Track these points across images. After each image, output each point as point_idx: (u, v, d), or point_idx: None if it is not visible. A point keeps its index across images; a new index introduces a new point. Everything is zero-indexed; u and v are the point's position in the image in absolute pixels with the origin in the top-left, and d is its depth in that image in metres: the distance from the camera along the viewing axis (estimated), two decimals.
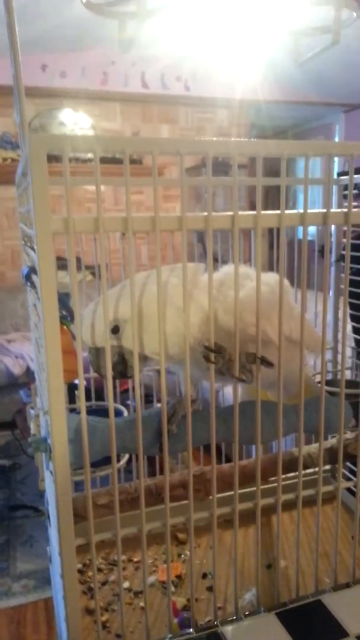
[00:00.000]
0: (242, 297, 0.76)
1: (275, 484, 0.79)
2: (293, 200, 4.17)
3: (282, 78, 3.68)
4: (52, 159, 0.59)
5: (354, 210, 0.76)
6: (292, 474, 0.96)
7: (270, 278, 0.82)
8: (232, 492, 0.75)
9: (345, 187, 1.28)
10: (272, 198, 0.77)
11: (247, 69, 3.45)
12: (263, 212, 0.69)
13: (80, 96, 3.55)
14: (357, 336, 1.46)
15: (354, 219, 0.77)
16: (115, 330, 0.76)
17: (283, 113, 4.21)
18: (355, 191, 1.23)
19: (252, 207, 0.69)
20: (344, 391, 0.81)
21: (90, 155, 0.65)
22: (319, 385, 0.79)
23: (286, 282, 0.86)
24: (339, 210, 0.76)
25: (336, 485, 0.83)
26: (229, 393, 0.77)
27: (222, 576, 0.93)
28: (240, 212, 0.68)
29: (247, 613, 0.77)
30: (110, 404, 0.66)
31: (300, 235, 0.78)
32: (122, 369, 0.79)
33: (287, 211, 0.70)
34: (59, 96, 3.50)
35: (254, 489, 0.76)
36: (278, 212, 0.70)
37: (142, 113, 3.79)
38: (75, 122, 3.59)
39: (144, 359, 0.78)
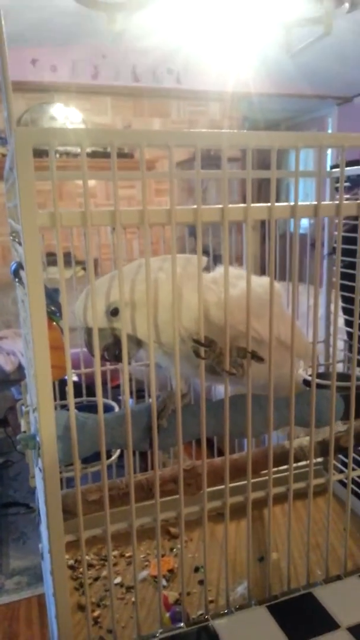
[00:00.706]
0: (236, 294, 0.76)
1: (267, 477, 0.78)
2: (286, 193, 4.16)
3: (275, 71, 3.66)
4: (43, 153, 0.59)
5: (345, 202, 0.76)
6: (284, 467, 0.96)
7: (265, 281, 0.83)
8: (223, 486, 0.75)
9: (338, 180, 1.28)
10: (265, 191, 0.78)
11: (239, 62, 3.43)
12: (253, 204, 0.69)
13: (71, 90, 3.52)
14: (349, 329, 1.46)
15: (345, 211, 0.76)
16: (115, 312, 0.76)
17: (276, 106, 4.19)
18: (347, 184, 1.23)
19: (245, 200, 0.69)
20: (335, 384, 0.81)
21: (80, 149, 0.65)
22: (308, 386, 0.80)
23: (278, 285, 0.87)
24: (330, 202, 0.75)
25: (327, 478, 0.83)
26: (221, 388, 0.77)
27: (214, 570, 0.93)
28: (230, 205, 0.67)
29: (238, 606, 0.77)
30: (99, 398, 0.65)
31: (292, 228, 0.78)
32: (117, 352, 0.78)
33: (277, 203, 0.70)
34: (50, 90, 3.47)
35: (246, 482, 0.76)
36: (268, 204, 0.69)
37: (134, 107, 3.76)
38: (66, 116, 3.57)
39: (138, 344, 0.78)
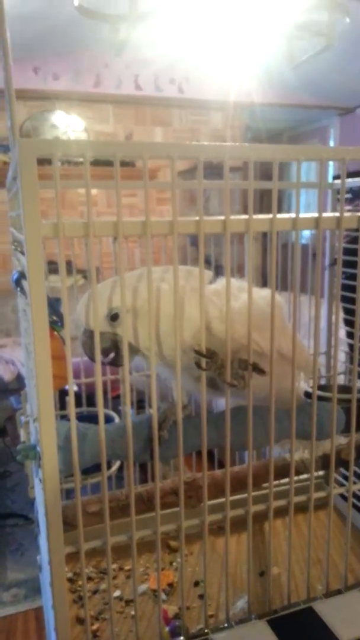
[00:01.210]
0: (238, 307, 0.76)
1: (268, 491, 0.78)
2: (288, 203, 4.17)
3: (277, 81, 3.69)
4: (45, 161, 0.59)
5: (346, 214, 0.76)
6: (285, 480, 0.95)
7: (267, 293, 0.83)
8: (224, 499, 0.74)
9: (339, 191, 1.28)
10: (267, 202, 0.77)
11: (241, 72, 3.45)
12: (255, 216, 0.69)
13: (73, 98, 3.54)
14: (350, 341, 1.46)
15: (346, 224, 0.76)
16: (115, 317, 0.76)
17: (278, 116, 4.22)
18: (348, 195, 1.23)
19: (246, 210, 0.69)
20: (336, 396, 0.81)
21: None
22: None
23: (280, 298, 0.87)
24: (331, 214, 0.75)
25: (328, 491, 0.82)
26: (221, 400, 0.76)
27: (214, 584, 0.93)
28: (232, 217, 0.67)
29: (238, 621, 0.77)
30: (100, 409, 0.65)
31: (292, 239, 0.78)
32: (115, 357, 0.78)
33: (279, 215, 0.70)
34: (52, 98, 3.49)
35: (246, 495, 0.76)
36: (270, 216, 0.69)
37: (136, 115, 3.78)
38: (67, 124, 3.58)
39: (134, 351, 0.78)
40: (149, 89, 3.70)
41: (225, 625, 0.76)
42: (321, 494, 0.82)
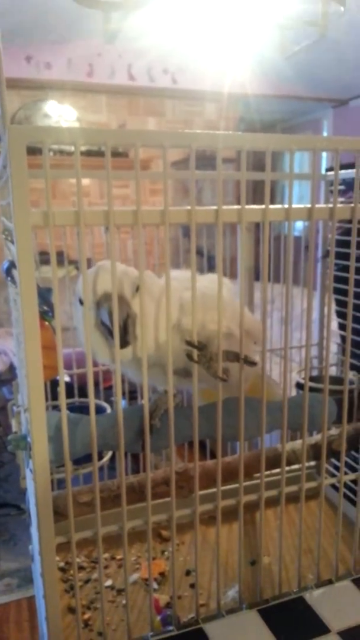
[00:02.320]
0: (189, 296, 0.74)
1: (259, 481, 0.78)
2: (281, 194, 4.17)
3: (271, 72, 3.66)
4: (36, 151, 0.58)
5: (339, 205, 0.76)
6: (276, 470, 0.96)
7: (208, 277, 0.83)
8: (215, 489, 0.74)
9: (332, 183, 1.28)
10: (260, 192, 0.77)
11: (235, 63, 3.43)
12: (247, 206, 0.68)
13: (66, 88, 3.50)
14: (342, 332, 1.46)
15: (339, 215, 0.76)
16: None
17: (272, 107, 4.20)
18: (341, 187, 1.23)
19: (240, 201, 0.69)
20: (327, 387, 0.81)
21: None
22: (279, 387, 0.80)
23: (227, 280, 0.86)
24: (324, 205, 0.75)
25: (319, 482, 0.83)
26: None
27: (205, 573, 0.93)
28: (224, 207, 0.67)
29: (229, 610, 0.77)
30: (91, 399, 0.65)
31: (285, 230, 0.78)
32: (122, 335, 0.75)
33: (271, 206, 0.70)
34: (44, 88, 3.45)
35: (238, 485, 0.76)
36: (262, 206, 0.69)
37: (129, 106, 3.75)
38: (60, 114, 3.55)
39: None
40: (142, 79, 3.66)
41: (217, 614, 0.77)
42: (312, 484, 0.82)
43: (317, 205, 0.73)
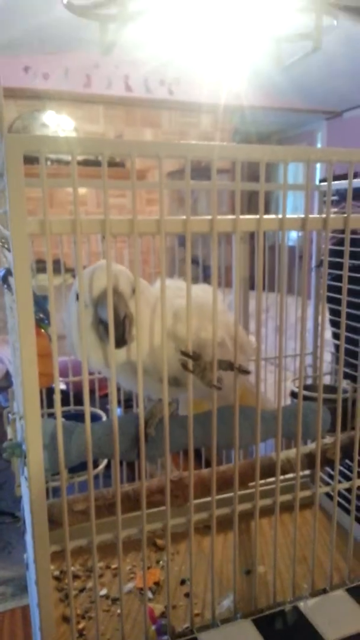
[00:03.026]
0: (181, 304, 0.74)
1: (254, 490, 0.78)
2: (276, 205, 4.20)
3: (266, 84, 3.70)
4: (34, 160, 0.59)
5: (332, 216, 0.77)
6: (271, 479, 0.96)
7: (200, 287, 0.85)
8: (210, 498, 0.74)
9: (326, 194, 1.29)
10: (255, 204, 0.78)
11: (231, 74, 3.47)
12: (242, 216, 0.69)
13: (63, 98, 3.53)
14: (336, 341, 1.47)
15: (332, 225, 0.77)
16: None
17: (267, 119, 4.24)
18: (335, 197, 1.24)
19: (234, 212, 0.69)
20: (322, 396, 0.82)
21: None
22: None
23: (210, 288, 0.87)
24: (317, 216, 0.76)
25: (314, 491, 0.83)
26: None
27: (200, 582, 0.93)
28: (219, 217, 0.68)
29: (224, 619, 0.77)
30: (86, 407, 0.65)
31: (280, 241, 0.79)
32: (121, 332, 0.74)
33: (265, 216, 0.71)
34: (42, 98, 3.48)
35: (233, 494, 0.76)
36: (257, 216, 0.70)
37: (126, 116, 3.78)
38: (58, 124, 3.57)
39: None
40: (139, 90, 3.70)
41: (211, 624, 0.76)
42: (306, 493, 0.82)
43: (310, 216, 0.73)
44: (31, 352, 0.59)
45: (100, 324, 0.74)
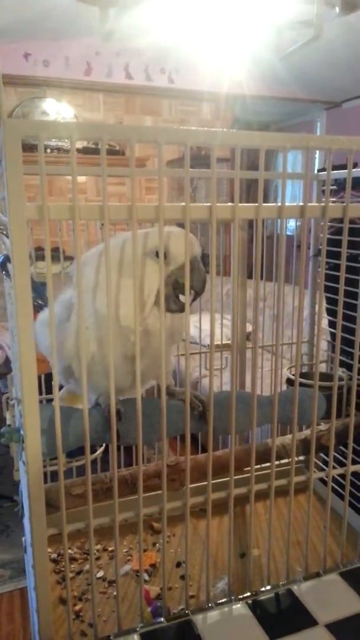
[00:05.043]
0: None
1: (249, 475, 0.79)
2: (275, 194, 4.19)
3: (267, 73, 3.67)
4: (34, 147, 0.59)
5: (331, 204, 0.77)
6: (267, 464, 0.97)
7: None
8: (206, 482, 0.75)
9: (325, 183, 1.29)
10: (254, 192, 0.78)
11: (231, 63, 3.44)
12: (241, 204, 0.70)
13: (64, 86, 3.50)
14: (333, 330, 1.47)
15: (331, 213, 0.77)
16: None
17: (267, 108, 4.21)
18: (334, 186, 1.24)
19: (234, 200, 0.70)
20: (317, 383, 0.82)
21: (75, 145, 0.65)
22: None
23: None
24: (316, 204, 0.76)
25: (308, 476, 0.84)
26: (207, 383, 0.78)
27: (196, 565, 0.94)
28: (218, 204, 0.68)
29: (218, 602, 0.78)
30: (84, 391, 0.66)
31: (279, 230, 0.79)
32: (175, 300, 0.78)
33: (264, 204, 0.71)
34: (42, 85, 3.45)
35: (228, 479, 0.77)
36: (256, 204, 0.70)
37: (126, 104, 3.75)
38: (58, 111, 3.54)
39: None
40: (139, 78, 3.67)
41: (206, 606, 0.78)
42: (301, 478, 0.83)
43: (309, 204, 0.74)
44: (29, 338, 0.60)
45: (174, 290, 0.76)
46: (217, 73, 3.51)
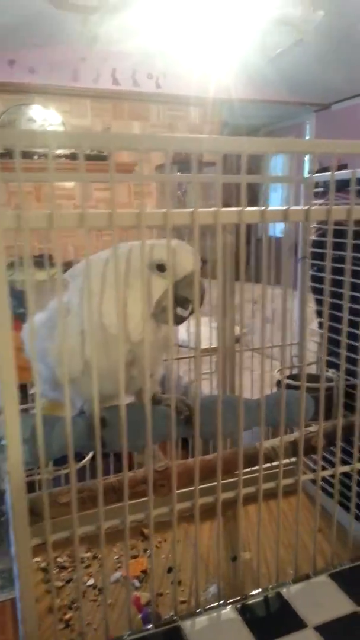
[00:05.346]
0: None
1: (238, 479, 0.79)
2: (265, 198, 4.21)
3: (254, 76, 3.69)
4: (27, 154, 0.59)
5: (315, 207, 0.77)
6: (256, 467, 0.97)
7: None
8: (194, 487, 0.75)
9: (316, 186, 1.30)
10: (249, 195, 0.79)
11: (218, 67, 3.45)
12: (224, 209, 0.70)
13: (50, 92, 3.50)
14: (322, 331, 1.48)
15: (314, 216, 0.77)
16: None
17: (256, 112, 4.22)
18: (321, 189, 1.25)
19: (225, 204, 0.70)
20: (304, 385, 0.83)
21: (60, 151, 0.65)
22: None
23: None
24: (299, 207, 0.77)
25: (297, 478, 0.84)
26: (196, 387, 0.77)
27: (188, 570, 0.94)
28: (200, 209, 0.68)
29: (208, 607, 0.78)
30: (67, 399, 0.65)
31: (270, 233, 0.80)
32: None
33: (247, 208, 0.71)
34: (28, 92, 3.45)
35: (214, 484, 0.77)
36: (239, 208, 0.70)
37: (113, 110, 3.75)
38: (44, 118, 3.54)
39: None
40: (126, 83, 3.67)
41: (196, 611, 0.78)
42: (289, 480, 0.83)
43: (292, 208, 0.74)
44: (7, 345, 0.60)
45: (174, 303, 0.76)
46: (205, 77, 3.52)
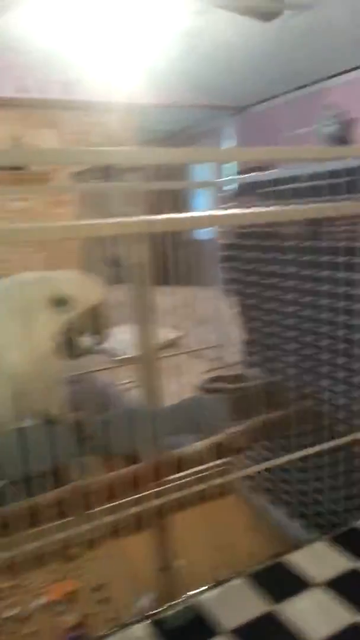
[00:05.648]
0: None
1: (166, 486, 0.78)
2: (187, 204, 4.25)
3: (168, 82, 3.70)
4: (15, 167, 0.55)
5: (219, 213, 0.78)
6: (183, 473, 0.96)
7: None
8: (119, 502, 0.74)
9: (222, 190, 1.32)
10: (165, 202, 0.80)
11: (129, 73, 3.44)
12: (129, 218, 0.69)
13: None
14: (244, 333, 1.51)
15: (219, 222, 0.78)
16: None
17: (171, 117, 4.25)
18: (230, 190, 1.27)
19: (150, 211, 0.69)
20: (227, 388, 0.83)
21: None
22: None
23: None
24: (206, 213, 0.77)
25: (222, 480, 0.84)
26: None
27: (118, 585, 0.92)
28: (106, 220, 0.67)
29: (127, 623, 0.75)
30: None
31: (197, 236, 0.80)
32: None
33: (153, 217, 0.71)
34: None
35: (147, 492, 0.75)
36: (147, 217, 0.70)
37: (23, 119, 3.64)
38: None
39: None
40: (34, 91, 3.57)
41: (114, 629, 0.75)
42: (217, 481, 0.83)
43: (197, 214, 0.74)
44: None
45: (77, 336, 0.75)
46: (114, 83, 3.50)
